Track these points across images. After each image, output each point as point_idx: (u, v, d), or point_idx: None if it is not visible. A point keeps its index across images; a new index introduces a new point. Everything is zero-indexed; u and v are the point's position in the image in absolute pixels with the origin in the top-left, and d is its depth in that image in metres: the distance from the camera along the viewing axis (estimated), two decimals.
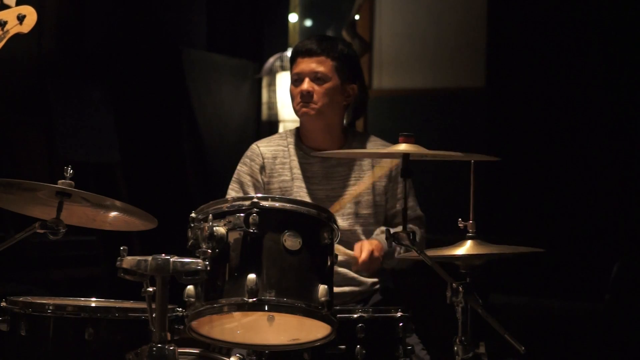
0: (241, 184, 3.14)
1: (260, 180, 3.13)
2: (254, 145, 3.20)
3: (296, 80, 3.12)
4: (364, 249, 2.94)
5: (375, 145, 3.21)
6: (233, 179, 3.17)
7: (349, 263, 2.98)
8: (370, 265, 2.95)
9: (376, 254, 2.95)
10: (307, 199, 3.07)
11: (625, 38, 4.90)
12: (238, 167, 3.18)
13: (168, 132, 5.65)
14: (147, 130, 5.55)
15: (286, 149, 3.17)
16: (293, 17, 6.38)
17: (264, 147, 3.17)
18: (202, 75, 5.80)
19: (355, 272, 3.03)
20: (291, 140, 3.19)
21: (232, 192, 3.15)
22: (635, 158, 4.82)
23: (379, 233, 3.12)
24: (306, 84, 3.08)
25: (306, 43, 3.13)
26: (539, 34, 5.14)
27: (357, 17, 5.83)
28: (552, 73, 5.09)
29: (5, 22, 2.56)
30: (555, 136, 5.06)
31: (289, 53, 5.99)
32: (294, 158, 3.16)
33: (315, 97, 3.09)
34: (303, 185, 3.12)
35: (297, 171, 3.14)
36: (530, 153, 5.09)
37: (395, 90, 5.99)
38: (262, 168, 3.14)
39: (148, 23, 5.70)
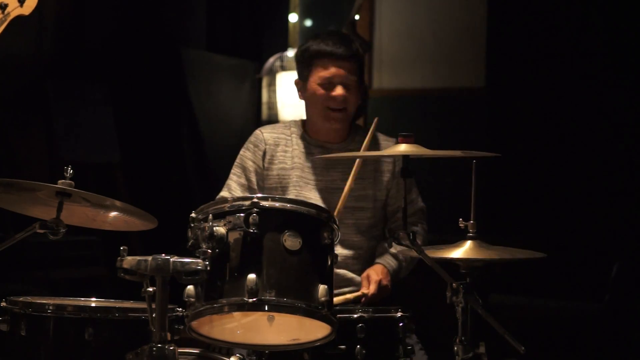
0: (244, 169, 3.16)
1: (262, 166, 3.15)
2: (257, 131, 3.22)
3: (327, 84, 3.09)
4: (371, 283, 2.96)
5: (378, 139, 3.22)
6: (235, 163, 3.19)
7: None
8: (381, 295, 2.97)
9: (384, 282, 2.98)
10: (307, 189, 3.08)
11: (625, 37, 4.90)
12: (241, 152, 3.20)
13: (168, 132, 5.65)
14: (147, 130, 5.55)
15: (289, 137, 3.19)
16: (293, 17, 6.37)
17: (267, 133, 3.19)
18: (202, 75, 5.80)
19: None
20: (295, 129, 3.21)
21: (234, 176, 3.17)
22: (636, 158, 4.82)
23: (382, 252, 3.12)
24: (340, 90, 3.09)
25: (335, 45, 3.08)
26: (539, 34, 5.14)
27: (357, 17, 5.83)
28: (552, 73, 5.09)
29: (6, 5, 2.52)
30: (555, 136, 5.06)
31: (289, 53, 6.00)
32: (296, 147, 3.17)
33: (346, 103, 3.10)
34: (303, 175, 3.13)
35: (298, 160, 3.15)
36: (530, 153, 5.09)
37: (395, 90, 6.00)
38: (264, 154, 3.16)
39: (148, 23, 5.70)
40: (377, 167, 3.17)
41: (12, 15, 2.53)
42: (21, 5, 2.55)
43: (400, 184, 3.15)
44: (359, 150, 3.14)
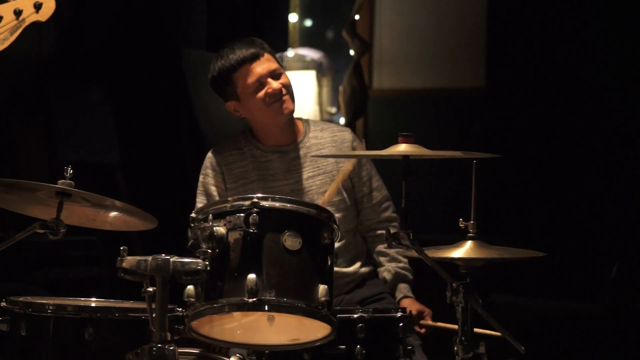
0: (208, 196, 3.13)
1: (224, 187, 3.13)
2: (210, 154, 3.18)
3: (259, 86, 3.07)
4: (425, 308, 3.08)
5: (330, 132, 3.23)
6: (199, 191, 3.16)
7: None
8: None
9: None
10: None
11: (625, 37, 4.90)
12: (201, 179, 3.16)
13: (168, 132, 5.64)
14: (147, 130, 5.55)
15: (242, 151, 3.16)
16: (293, 17, 6.38)
17: (219, 155, 3.16)
18: (202, 75, 5.75)
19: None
20: (245, 142, 3.18)
21: (200, 205, 3.08)
22: (636, 158, 4.82)
23: (396, 279, 3.18)
24: (273, 83, 3.08)
25: (243, 50, 3.09)
26: (539, 34, 5.14)
27: (357, 17, 5.83)
28: (552, 73, 5.09)
29: (21, 11, 2.48)
30: (555, 136, 5.05)
31: (289, 53, 6.00)
32: (251, 160, 3.15)
33: (284, 90, 3.09)
34: (266, 184, 3.12)
35: (258, 172, 3.13)
36: (530, 153, 5.09)
37: (395, 90, 6.00)
38: (223, 175, 3.14)
39: (148, 23, 5.69)
40: (337, 160, 3.18)
41: (28, 21, 2.49)
42: (37, 12, 2.50)
43: (362, 172, 3.19)
44: (314, 147, 3.16)
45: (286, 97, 3.09)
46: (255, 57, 3.08)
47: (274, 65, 3.10)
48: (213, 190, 3.13)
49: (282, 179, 3.13)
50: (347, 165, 3.05)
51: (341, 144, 3.19)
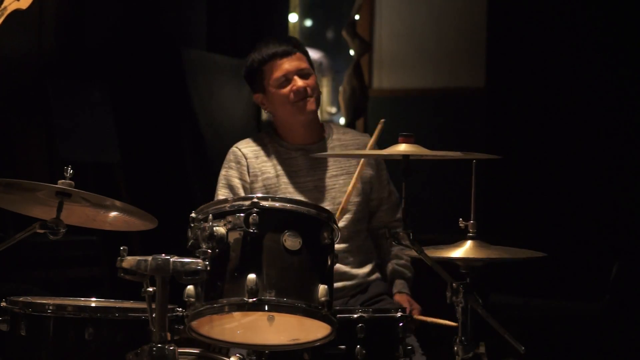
0: (231, 188, 3.15)
1: (248, 181, 3.15)
2: (234, 148, 3.21)
3: (285, 83, 3.13)
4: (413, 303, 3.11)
5: (352, 135, 3.29)
6: (221, 184, 3.17)
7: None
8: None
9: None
10: (297, 194, 3.11)
11: (625, 37, 4.90)
12: (224, 172, 3.18)
13: (168, 132, 5.64)
14: (147, 130, 5.55)
15: (266, 147, 3.20)
16: (293, 17, 6.38)
17: (244, 148, 3.19)
18: (202, 75, 5.80)
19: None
20: (268, 139, 3.22)
21: (222, 197, 3.12)
22: (636, 158, 4.82)
23: (394, 275, 3.22)
24: (299, 81, 3.12)
25: (275, 45, 3.15)
26: (539, 34, 5.14)
27: (357, 17, 5.83)
28: (552, 73, 5.09)
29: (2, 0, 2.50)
30: (555, 136, 5.06)
31: None
32: (276, 155, 3.18)
33: (309, 91, 3.13)
34: (290, 180, 3.15)
35: (282, 167, 3.16)
36: (530, 153, 5.09)
37: (395, 90, 6.00)
38: (248, 168, 3.15)
39: (148, 23, 5.69)
40: (358, 162, 3.20)
41: (9, 9, 2.50)
42: (18, 0, 2.52)
43: (382, 175, 3.24)
44: (338, 148, 3.21)
45: (310, 99, 3.14)
46: (286, 54, 3.14)
47: (303, 64, 3.15)
48: (237, 183, 3.15)
49: (305, 175, 3.16)
50: (362, 164, 3.09)
51: (363, 148, 3.23)
